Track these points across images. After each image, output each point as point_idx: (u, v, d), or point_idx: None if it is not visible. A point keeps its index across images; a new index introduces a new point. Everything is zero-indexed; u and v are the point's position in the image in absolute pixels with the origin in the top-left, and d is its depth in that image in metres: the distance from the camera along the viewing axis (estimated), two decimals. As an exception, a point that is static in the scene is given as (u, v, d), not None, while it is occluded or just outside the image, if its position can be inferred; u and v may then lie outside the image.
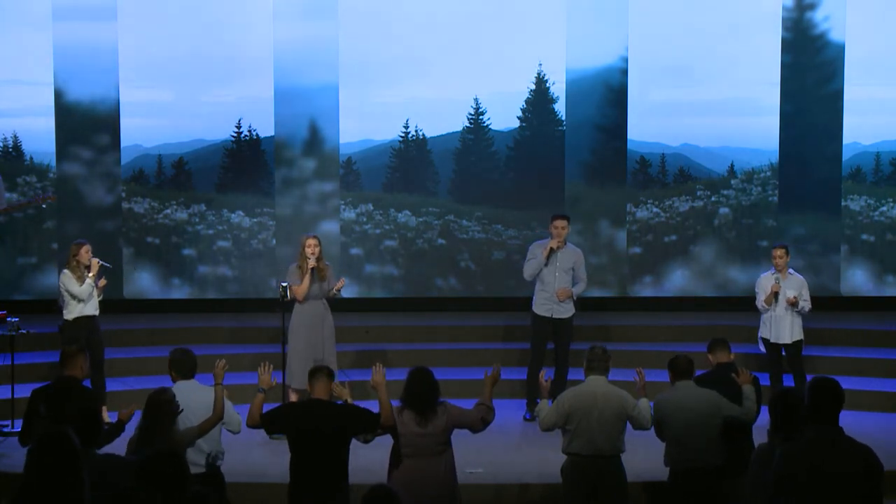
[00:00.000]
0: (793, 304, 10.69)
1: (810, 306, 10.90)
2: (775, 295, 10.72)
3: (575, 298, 10.98)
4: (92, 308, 10.60)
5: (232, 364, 10.92)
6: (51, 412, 7.34)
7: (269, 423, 7.39)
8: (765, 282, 10.92)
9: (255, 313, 13.21)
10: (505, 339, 12.70)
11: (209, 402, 7.49)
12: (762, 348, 11.00)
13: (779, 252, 10.85)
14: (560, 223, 10.84)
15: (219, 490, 7.65)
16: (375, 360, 12.02)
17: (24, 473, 5.23)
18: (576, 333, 11.18)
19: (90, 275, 10.52)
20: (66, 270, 10.56)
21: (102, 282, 10.71)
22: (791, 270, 10.96)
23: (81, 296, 10.48)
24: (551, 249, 10.78)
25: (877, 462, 5.51)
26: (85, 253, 10.55)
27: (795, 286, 10.81)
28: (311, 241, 10.56)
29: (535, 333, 11.00)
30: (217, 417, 7.42)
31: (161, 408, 7.04)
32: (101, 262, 10.63)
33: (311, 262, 10.45)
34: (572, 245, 11.17)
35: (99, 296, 10.66)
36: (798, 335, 10.81)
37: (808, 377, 10.06)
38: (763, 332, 10.92)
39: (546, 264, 10.81)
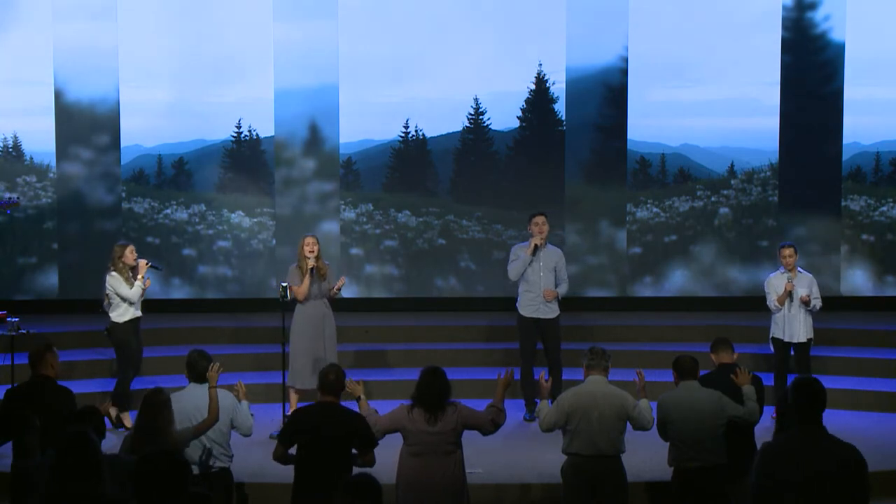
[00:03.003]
0: (805, 303, 10.67)
1: (821, 304, 10.86)
2: (789, 294, 10.69)
3: (560, 299, 10.98)
4: (138, 310, 10.55)
5: (232, 364, 11.03)
6: (26, 413, 7.24)
7: (287, 441, 7.32)
8: (775, 281, 10.84)
9: (255, 313, 13.21)
10: (504, 340, 12.66)
11: (221, 406, 7.51)
12: (772, 348, 10.95)
13: (788, 251, 10.79)
14: (540, 219, 10.84)
15: (221, 491, 7.65)
16: (375, 360, 12.18)
17: (48, 474, 5.26)
18: (575, 334, 11.19)
19: (138, 276, 10.44)
20: (113, 273, 10.40)
21: (147, 282, 10.60)
22: (800, 269, 10.93)
23: (132, 299, 10.39)
24: (535, 246, 10.77)
25: (861, 459, 5.51)
26: (130, 254, 10.45)
27: (806, 284, 10.77)
28: (310, 241, 10.53)
29: (523, 335, 11.00)
30: (211, 420, 7.48)
31: (157, 408, 7.06)
32: (149, 263, 10.57)
33: (311, 262, 10.43)
34: (552, 245, 11.17)
35: (142, 296, 10.60)
36: (810, 333, 10.78)
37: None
38: (775, 332, 10.80)
39: (531, 263, 10.80)
